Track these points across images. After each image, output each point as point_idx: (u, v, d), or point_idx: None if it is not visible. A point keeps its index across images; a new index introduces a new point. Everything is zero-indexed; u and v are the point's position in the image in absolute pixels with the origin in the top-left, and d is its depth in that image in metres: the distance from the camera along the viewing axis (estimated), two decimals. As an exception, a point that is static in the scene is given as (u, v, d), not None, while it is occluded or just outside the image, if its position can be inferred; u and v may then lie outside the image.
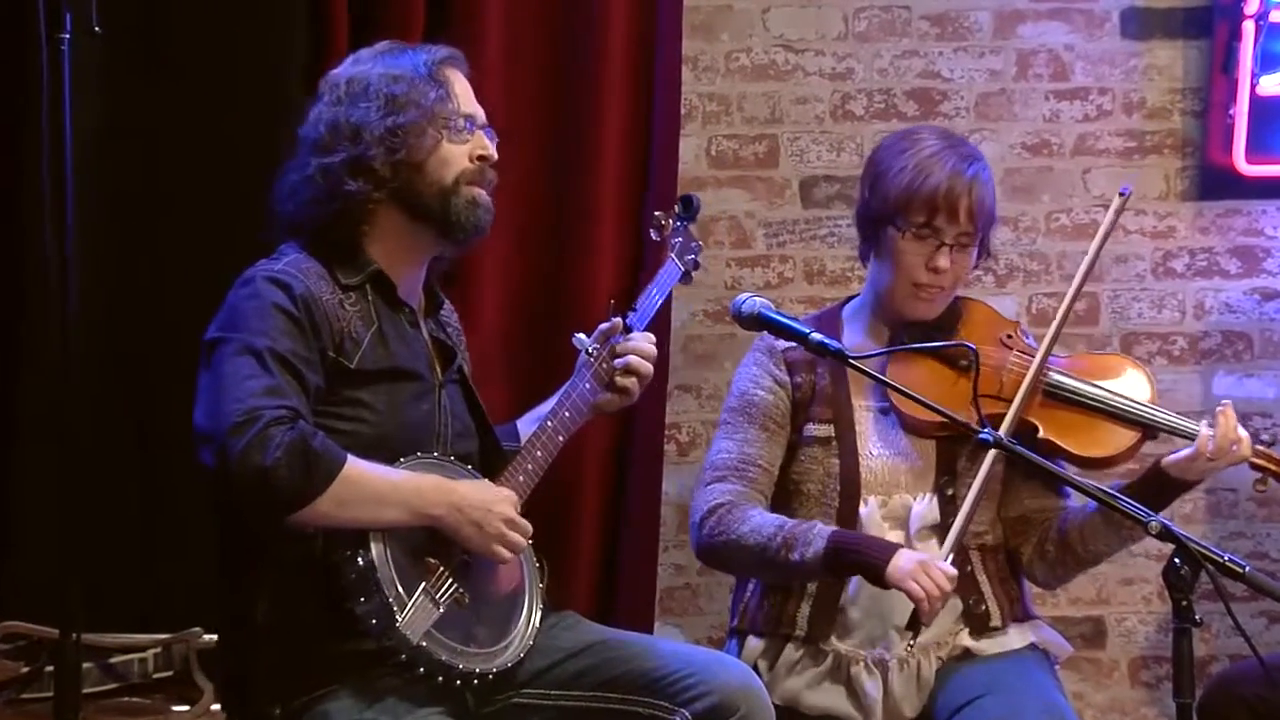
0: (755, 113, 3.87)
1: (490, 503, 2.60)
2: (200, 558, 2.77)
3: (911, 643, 2.89)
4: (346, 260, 2.69)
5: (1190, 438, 2.98)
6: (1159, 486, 3.01)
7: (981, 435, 2.54)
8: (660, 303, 3.00)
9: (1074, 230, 3.90)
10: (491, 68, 3.47)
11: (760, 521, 2.98)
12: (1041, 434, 3.01)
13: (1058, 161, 3.90)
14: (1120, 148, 3.90)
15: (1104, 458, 3.03)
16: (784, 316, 2.82)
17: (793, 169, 3.88)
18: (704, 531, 3.02)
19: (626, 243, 3.58)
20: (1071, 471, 3.02)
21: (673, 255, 3.07)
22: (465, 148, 2.73)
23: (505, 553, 2.61)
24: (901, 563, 2.86)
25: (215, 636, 2.79)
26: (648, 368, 2.89)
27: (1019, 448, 2.58)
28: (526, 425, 2.89)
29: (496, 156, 2.76)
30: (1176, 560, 2.41)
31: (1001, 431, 2.89)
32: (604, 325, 2.90)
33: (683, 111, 3.72)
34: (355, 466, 2.53)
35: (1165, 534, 2.43)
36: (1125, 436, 3.03)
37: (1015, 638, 3.04)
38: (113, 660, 2.83)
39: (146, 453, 3.24)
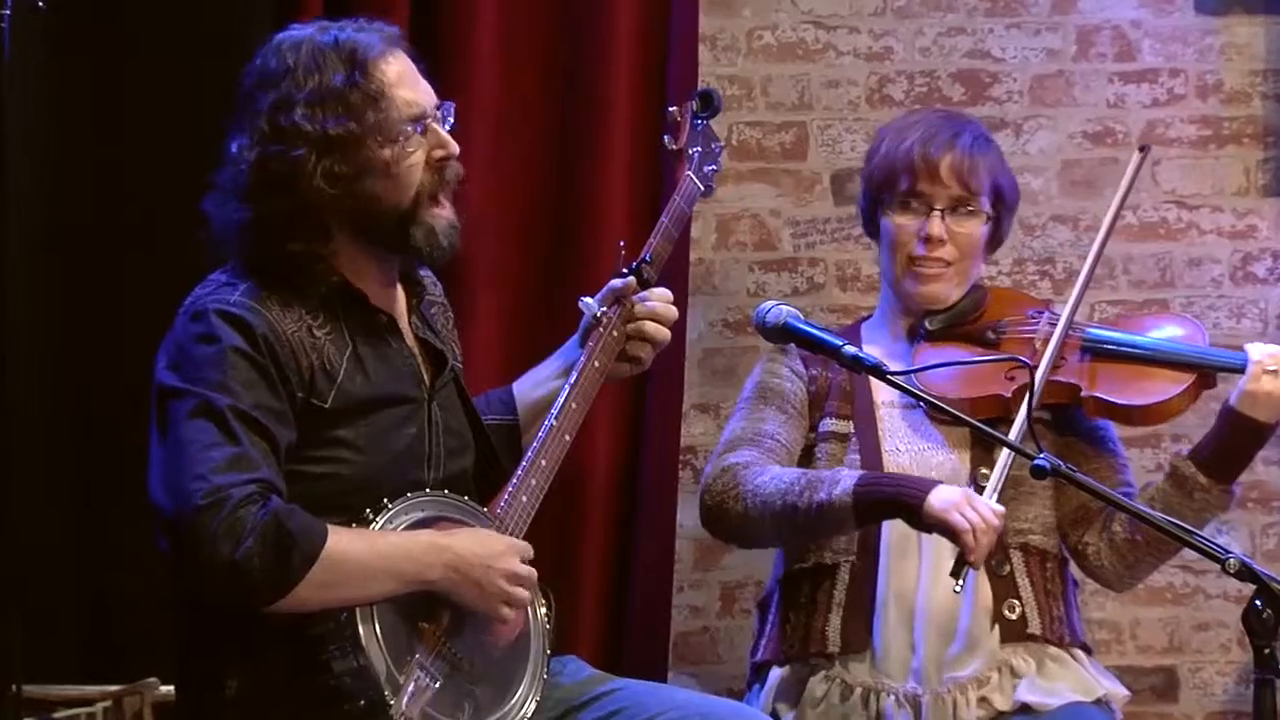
0: (781, 98, 3.86)
1: (489, 558, 2.57)
2: (155, 600, 2.76)
3: (959, 586, 2.90)
4: (309, 277, 2.63)
5: (1243, 369, 3.03)
6: (1235, 430, 3.04)
7: (1037, 462, 2.54)
8: (677, 235, 2.96)
9: (1141, 230, 3.89)
10: (485, 52, 3.48)
11: (780, 471, 3.04)
12: (1085, 392, 3.07)
13: (1123, 152, 3.88)
14: (1194, 136, 3.89)
15: (1155, 405, 3.07)
16: (814, 327, 2.84)
17: (823, 161, 3.87)
18: (714, 491, 3.06)
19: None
20: (1128, 431, 3.14)
21: (690, 171, 3.03)
22: (419, 155, 2.65)
23: (510, 613, 2.60)
24: (943, 494, 2.89)
25: (172, 688, 2.78)
26: (665, 334, 2.88)
27: (1079, 474, 2.59)
28: (525, 390, 2.89)
29: (457, 149, 2.69)
30: (1258, 603, 2.40)
31: (1035, 395, 2.94)
32: (616, 283, 2.87)
33: (700, 96, 3.72)
34: (337, 543, 2.49)
35: (1245, 572, 2.42)
36: (1176, 380, 3.07)
37: (1072, 686, 3.04)
38: (57, 715, 2.83)
39: (93, 483, 3.24)
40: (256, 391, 2.52)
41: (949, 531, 2.88)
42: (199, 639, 2.59)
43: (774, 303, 2.88)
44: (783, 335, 2.85)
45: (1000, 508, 2.91)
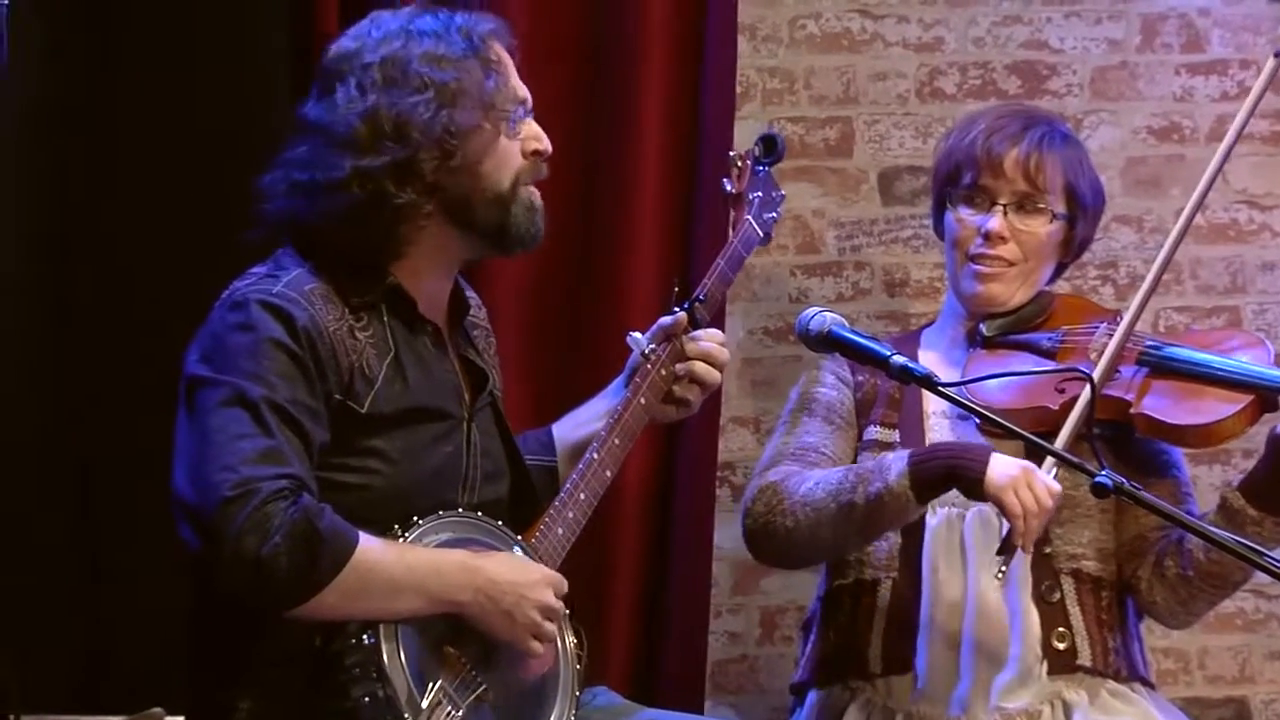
0: (825, 91, 3.85)
1: (523, 586, 2.58)
2: (158, 624, 2.76)
3: (1003, 570, 2.91)
4: (357, 273, 2.65)
5: None
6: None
7: (1098, 479, 2.53)
8: (733, 278, 3.00)
9: (1210, 232, 3.86)
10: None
11: (821, 474, 3.03)
12: (1134, 408, 3.05)
13: (1190, 149, 3.87)
14: (1266, 132, 3.87)
15: (1206, 426, 3.04)
16: (860, 335, 2.84)
17: (870, 158, 3.86)
18: (757, 512, 3.06)
19: (670, 245, 3.57)
20: (1181, 457, 3.14)
21: (749, 216, 3.07)
22: (518, 142, 2.71)
23: (539, 646, 2.60)
24: (1002, 468, 2.89)
25: (179, 719, 2.79)
26: (716, 376, 2.90)
27: (1142, 492, 2.58)
28: (565, 432, 2.91)
29: (550, 148, 2.75)
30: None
31: (1080, 407, 2.94)
32: (665, 321, 2.88)
33: (738, 90, 3.71)
34: (367, 551, 2.50)
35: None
36: (1231, 400, 3.05)
37: (1134, 718, 3.03)
38: (56, 747, 2.83)
39: (92, 501, 3.24)
40: (293, 386, 2.53)
41: (1002, 509, 2.89)
42: (210, 657, 2.60)
43: (817, 309, 2.87)
44: (827, 344, 2.84)
45: (1057, 486, 2.89)
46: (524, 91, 2.73)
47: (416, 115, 2.61)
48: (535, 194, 2.72)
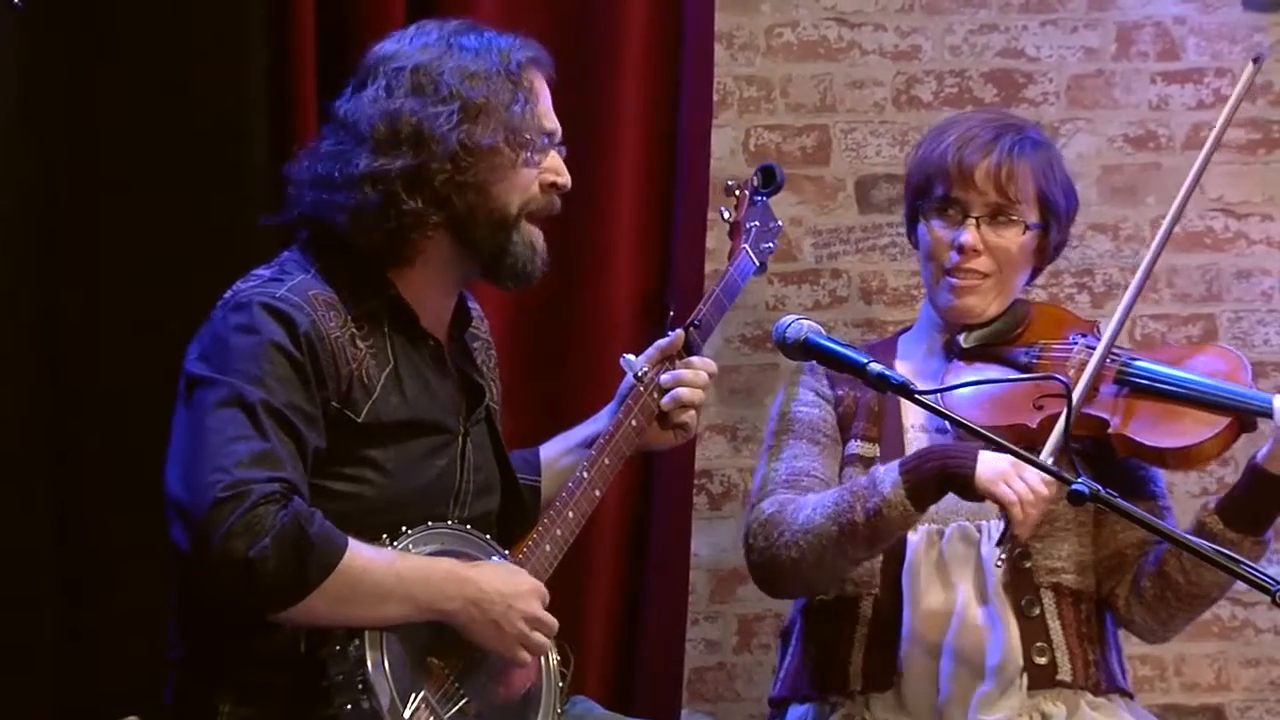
0: (802, 99, 3.86)
1: (512, 597, 2.59)
2: (135, 630, 2.75)
3: (1001, 559, 2.92)
4: (361, 283, 2.66)
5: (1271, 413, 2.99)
6: (1258, 487, 2.99)
7: (1075, 486, 2.53)
8: (728, 305, 3.02)
9: (1186, 239, 3.87)
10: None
11: (815, 499, 3.02)
12: (1113, 428, 3.03)
13: (1166, 157, 3.88)
14: (1242, 140, 3.88)
15: (1186, 448, 3.03)
16: (837, 343, 2.83)
17: (847, 166, 3.86)
18: (757, 548, 3.04)
19: (648, 256, 3.57)
20: (1159, 473, 3.12)
21: (746, 245, 3.08)
22: (535, 171, 2.71)
23: (526, 656, 2.61)
24: (991, 464, 2.90)
25: (154, 728, 2.78)
26: (699, 396, 2.90)
27: (1119, 500, 2.57)
28: (553, 454, 2.92)
29: (570, 184, 2.75)
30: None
31: (1059, 428, 2.92)
32: (662, 342, 2.91)
33: (715, 98, 3.71)
34: (356, 557, 2.51)
35: (1296, 606, 2.40)
36: (1210, 423, 3.03)
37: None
38: (30, 756, 2.82)
39: (68, 508, 3.23)
40: (291, 390, 2.54)
41: (997, 502, 2.89)
42: (194, 659, 2.61)
43: (794, 317, 2.87)
44: (804, 352, 2.84)
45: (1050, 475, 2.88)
46: (553, 123, 2.74)
47: (436, 125, 2.62)
48: (539, 235, 2.73)
